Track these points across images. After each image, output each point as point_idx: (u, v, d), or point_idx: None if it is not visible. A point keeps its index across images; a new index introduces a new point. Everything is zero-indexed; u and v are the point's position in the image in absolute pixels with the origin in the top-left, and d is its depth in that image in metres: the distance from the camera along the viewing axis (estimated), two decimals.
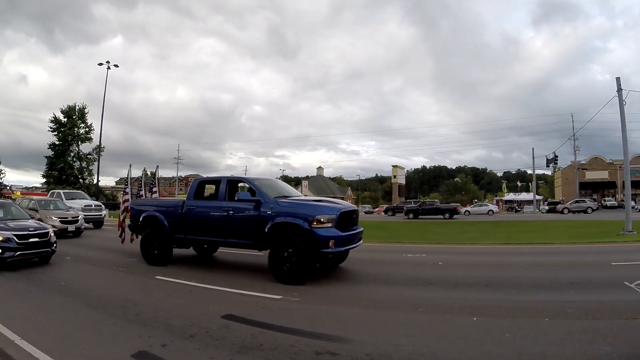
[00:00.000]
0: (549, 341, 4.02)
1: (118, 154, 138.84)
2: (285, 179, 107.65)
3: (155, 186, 13.32)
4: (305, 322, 4.78)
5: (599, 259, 9.69)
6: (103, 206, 20.96)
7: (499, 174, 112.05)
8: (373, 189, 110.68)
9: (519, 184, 78.56)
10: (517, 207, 58.15)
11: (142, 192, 13.38)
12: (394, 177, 78.21)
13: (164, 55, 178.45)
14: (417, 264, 9.61)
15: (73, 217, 14.89)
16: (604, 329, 4.35)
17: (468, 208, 43.80)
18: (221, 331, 4.40)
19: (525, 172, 70.51)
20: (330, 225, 6.95)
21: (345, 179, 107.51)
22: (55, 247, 8.86)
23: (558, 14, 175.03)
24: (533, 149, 46.63)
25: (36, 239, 8.34)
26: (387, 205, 54.82)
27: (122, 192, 16.82)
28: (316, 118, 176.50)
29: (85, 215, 16.86)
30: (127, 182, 12.96)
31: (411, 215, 34.42)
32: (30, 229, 8.45)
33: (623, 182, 24.87)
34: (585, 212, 37.30)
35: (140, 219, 9.18)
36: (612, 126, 16.50)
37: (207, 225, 8.24)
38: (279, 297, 5.96)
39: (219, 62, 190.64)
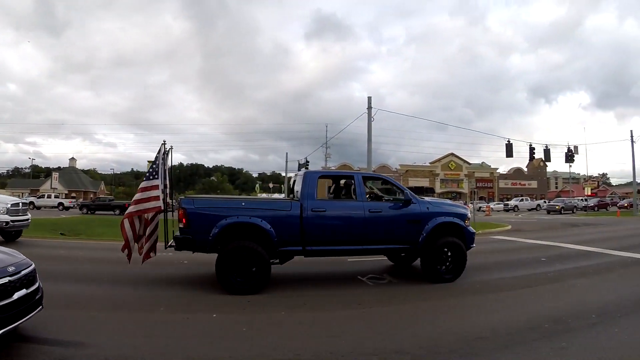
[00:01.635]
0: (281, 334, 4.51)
1: None
2: (36, 169, 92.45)
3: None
4: (41, 329, 4.14)
5: None
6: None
7: (255, 175, 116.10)
8: (128, 184, 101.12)
9: (271, 185, 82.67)
10: None
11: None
12: None
13: None
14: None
15: None
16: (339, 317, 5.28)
17: None
18: None
19: (279, 174, 77.64)
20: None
21: (99, 172, 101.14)
22: None
23: (331, 32, 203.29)
24: (287, 153, 51.17)
25: None
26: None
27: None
28: (74, 104, 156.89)
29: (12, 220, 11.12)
30: (158, 165, 7.09)
31: (85, 210, 34.51)
32: None
33: None
34: None
35: (218, 228, 6.23)
36: (363, 138, 20.07)
37: (345, 231, 6.83)
38: None
39: None
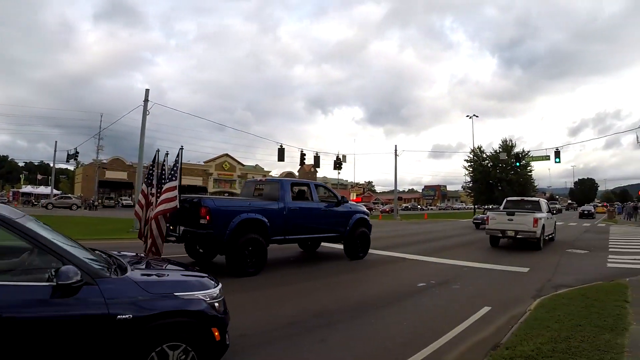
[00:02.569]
0: None
1: None
2: None
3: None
4: None
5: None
6: None
7: (21, 164, 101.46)
8: None
9: (39, 176, 71.98)
10: (34, 200, 53.18)
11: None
12: None
13: None
14: None
15: None
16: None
17: None
18: None
19: (48, 164, 64.22)
20: None
21: None
22: None
23: (122, 16, 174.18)
24: (56, 142, 45.10)
25: None
26: None
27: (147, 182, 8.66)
28: None
29: None
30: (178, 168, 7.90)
31: None
32: None
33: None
34: (70, 208, 39.51)
35: (235, 223, 7.86)
36: (139, 131, 18.05)
37: (309, 223, 9.54)
38: None
39: None
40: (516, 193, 39.82)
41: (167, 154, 8.47)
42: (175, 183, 7.63)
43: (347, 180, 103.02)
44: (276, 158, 28.53)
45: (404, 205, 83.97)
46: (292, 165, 78.39)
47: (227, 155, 71.12)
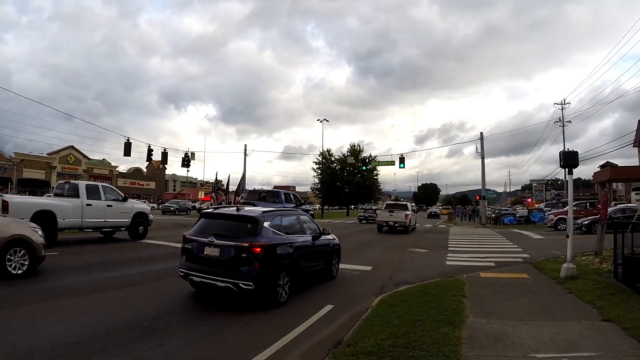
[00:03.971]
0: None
1: None
2: None
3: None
4: None
5: None
6: None
7: None
8: None
9: None
10: None
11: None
12: None
13: None
14: None
15: None
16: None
17: None
18: None
19: None
20: None
21: None
22: None
23: None
24: None
25: None
26: None
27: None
28: None
29: None
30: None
31: None
32: None
33: None
34: None
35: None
36: None
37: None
38: None
39: None
40: (363, 196, 43.47)
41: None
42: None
43: (196, 179, 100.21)
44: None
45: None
46: (140, 161, 73.44)
47: (72, 147, 64.63)
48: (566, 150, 9.36)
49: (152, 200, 70.03)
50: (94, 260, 9.91)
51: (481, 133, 36.23)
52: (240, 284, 5.76)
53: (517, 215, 36.06)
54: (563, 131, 43.91)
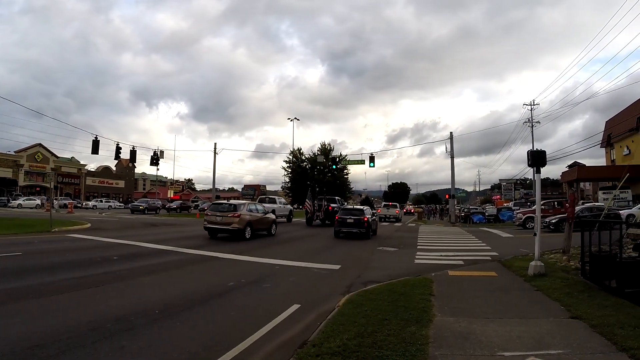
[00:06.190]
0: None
1: None
2: None
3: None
4: None
5: None
6: None
7: None
8: None
9: None
10: None
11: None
12: None
13: None
14: None
15: None
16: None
17: None
18: None
19: None
20: None
21: None
22: None
23: None
24: None
25: None
26: None
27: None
28: None
29: None
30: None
31: None
32: None
33: None
34: None
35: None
36: None
37: None
38: None
39: None
40: (332, 194, 43.69)
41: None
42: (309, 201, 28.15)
43: (166, 177, 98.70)
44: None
45: None
46: (110, 159, 71.72)
47: (40, 145, 62.83)
48: (534, 149, 9.46)
49: (121, 200, 67.97)
50: (59, 260, 9.52)
51: (451, 133, 36.77)
52: None
53: (487, 214, 36.79)
54: (532, 131, 45.40)
